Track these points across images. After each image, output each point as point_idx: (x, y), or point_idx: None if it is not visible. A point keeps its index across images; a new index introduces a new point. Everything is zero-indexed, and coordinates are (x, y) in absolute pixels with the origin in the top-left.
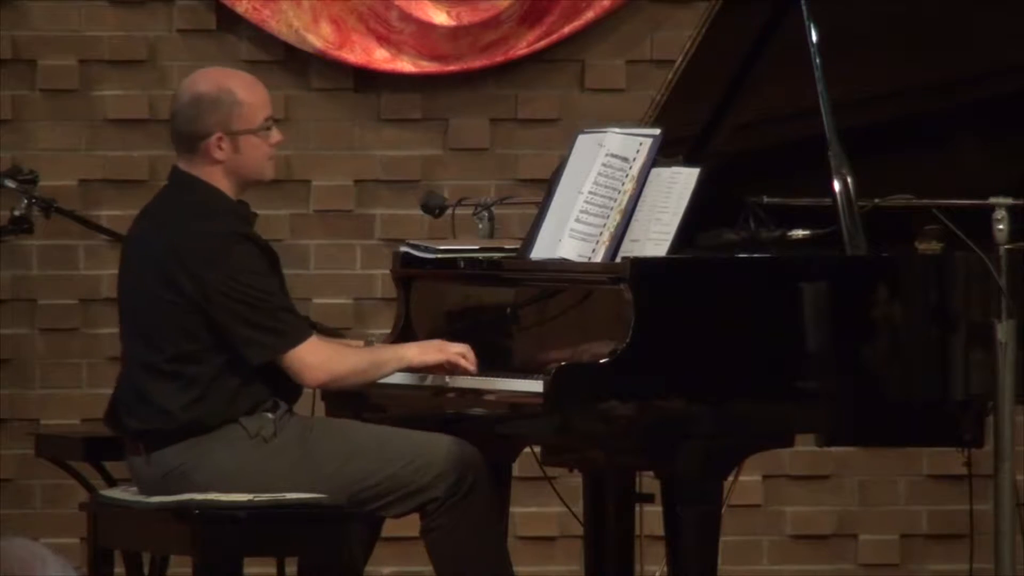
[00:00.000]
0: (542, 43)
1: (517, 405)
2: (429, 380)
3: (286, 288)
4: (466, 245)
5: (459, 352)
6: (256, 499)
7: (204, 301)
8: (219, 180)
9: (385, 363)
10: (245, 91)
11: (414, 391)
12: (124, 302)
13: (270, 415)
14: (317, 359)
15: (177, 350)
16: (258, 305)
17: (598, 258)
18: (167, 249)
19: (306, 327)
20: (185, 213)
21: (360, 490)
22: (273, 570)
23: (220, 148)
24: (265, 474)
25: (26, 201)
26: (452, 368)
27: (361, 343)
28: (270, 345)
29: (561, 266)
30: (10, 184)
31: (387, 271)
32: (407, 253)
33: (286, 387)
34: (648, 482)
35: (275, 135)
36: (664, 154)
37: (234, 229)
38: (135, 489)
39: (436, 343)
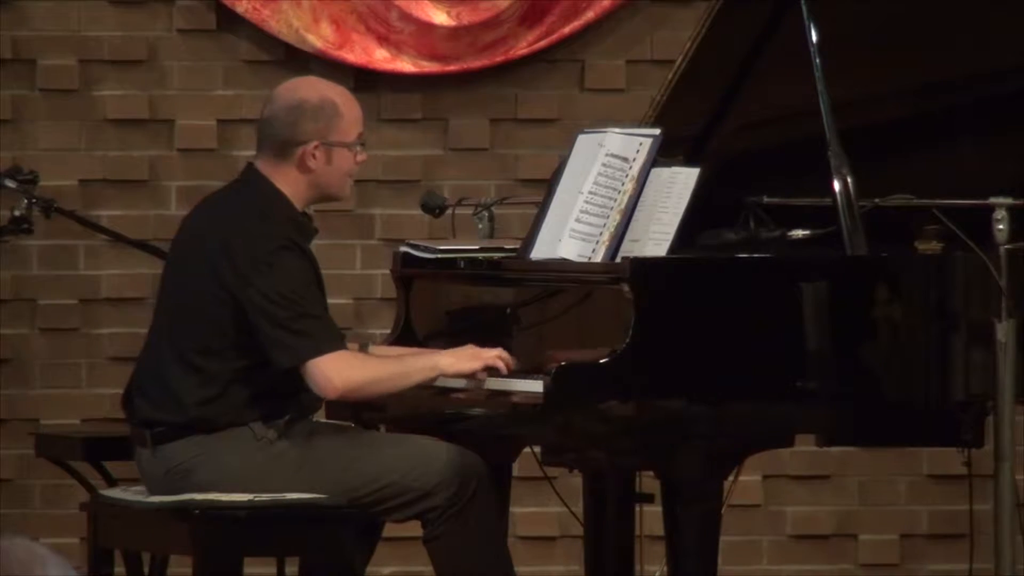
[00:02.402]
0: (542, 43)
1: (517, 405)
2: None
3: (326, 305)
4: (466, 245)
5: (493, 355)
6: (256, 499)
7: (244, 299)
8: (297, 188)
9: (413, 373)
10: (346, 105)
11: (414, 391)
12: (167, 285)
13: (278, 420)
14: (337, 370)
15: (206, 343)
16: (291, 309)
17: (598, 258)
18: (221, 243)
19: (337, 339)
20: (247, 212)
21: (360, 495)
22: (273, 570)
23: (314, 157)
24: (266, 476)
25: (26, 201)
26: (489, 372)
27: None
28: (296, 348)
29: (561, 266)
30: (10, 184)
31: (387, 271)
32: (407, 253)
33: (307, 402)
34: (648, 482)
35: (362, 154)
36: (664, 154)
37: (290, 237)
38: (135, 489)
39: (469, 351)
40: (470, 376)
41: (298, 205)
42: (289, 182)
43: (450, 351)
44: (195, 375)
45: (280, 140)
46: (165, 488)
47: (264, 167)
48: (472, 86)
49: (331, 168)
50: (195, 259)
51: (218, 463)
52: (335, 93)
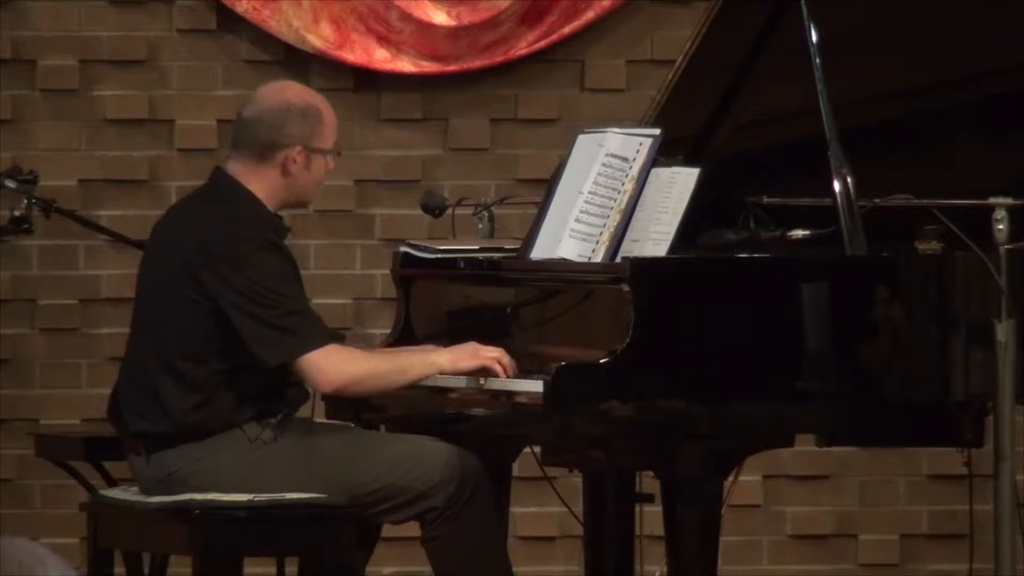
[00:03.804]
0: (542, 43)
1: (517, 405)
2: (431, 380)
3: (307, 299)
4: (466, 245)
5: (493, 356)
6: (256, 499)
7: (224, 300)
8: (272, 191)
9: (410, 368)
10: (327, 113)
11: (414, 391)
12: (144, 295)
13: (271, 420)
14: (332, 363)
15: (190, 349)
16: (277, 307)
17: (598, 258)
18: (197, 248)
19: (326, 333)
20: (220, 214)
21: (359, 496)
22: (273, 570)
23: (295, 162)
24: (264, 479)
25: (26, 201)
26: (487, 373)
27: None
28: (286, 345)
29: (561, 266)
30: (10, 184)
31: (387, 271)
32: (407, 253)
33: (293, 399)
34: (648, 482)
35: (332, 163)
36: (664, 154)
37: (265, 236)
38: (135, 489)
39: (469, 348)
40: (469, 374)
41: (270, 208)
42: (264, 185)
43: (450, 348)
44: (181, 383)
45: (263, 142)
46: (162, 494)
47: (237, 169)
48: (472, 86)
49: (308, 174)
50: (172, 266)
51: (214, 467)
52: (318, 100)
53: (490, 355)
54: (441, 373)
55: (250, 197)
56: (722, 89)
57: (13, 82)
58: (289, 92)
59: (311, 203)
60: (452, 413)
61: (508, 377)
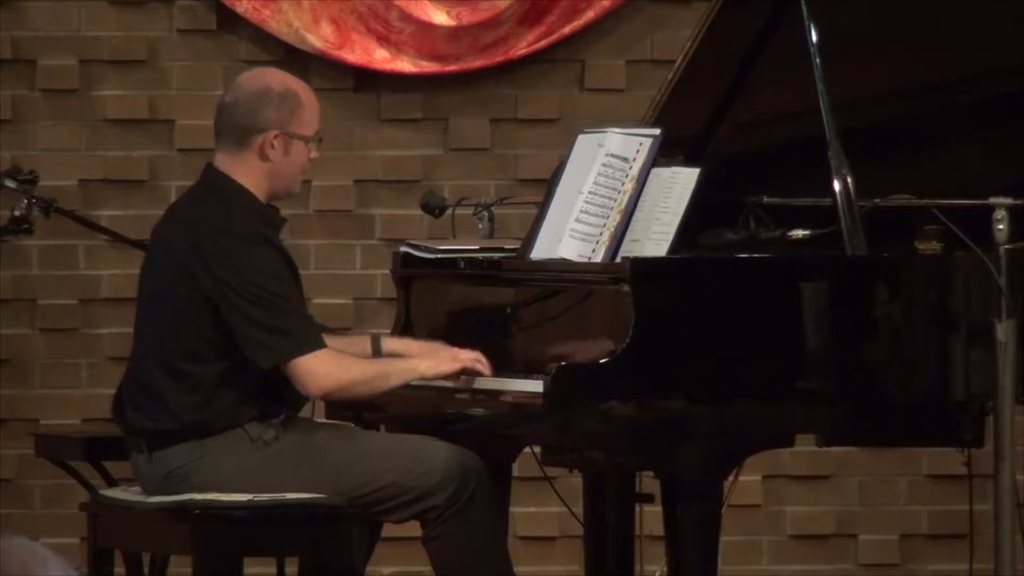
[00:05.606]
0: (542, 43)
1: (517, 405)
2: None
3: (303, 299)
4: (466, 245)
5: (473, 358)
6: (256, 499)
7: (218, 299)
8: (256, 181)
9: (393, 375)
10: (308, 99)
11: (414, 391)
12: (144, 295)
13: (274, 420)
14: (323, 369)
15: (189, 348)
16: (270, 307)
17: (598, 258)
18: (190, 245)
19: (319, 337)
20: (213, 211)
21: (360, 495)
22: (273, 570)
23: (272, 147)
24: (265, 478)
25: (26, 201)
26: (467, 373)
27: (367, 338)
28: (277, 348)
29: (561, 266)
30: (10, 184)
31: (387, 271)
32: (407, 253)
33: (293, 398)
34: (648, 482)
35: (315, 152)
36: (664, 154)
37: (258, 231)
38: (135, 489)
39: (447, 352)
40: (450, 378)
41: (260, 197)
42: (249, 173)
43: (427, 354)
44: (182, 382)
45: (241, 127)
46: (163, 492)
47: (223, 161)
48: (472, 86)
49: (288, 160)
50: (169, 266)
51: (215, 466)
52: (299, 86)
53: (468, 356)
54: (422, 379)
55: (240, 189)
56: (722, 89)
57: (13, 82)
58: (268, 77)
59: (295, 191)
60: (452, 413)
61: (489, 374)
